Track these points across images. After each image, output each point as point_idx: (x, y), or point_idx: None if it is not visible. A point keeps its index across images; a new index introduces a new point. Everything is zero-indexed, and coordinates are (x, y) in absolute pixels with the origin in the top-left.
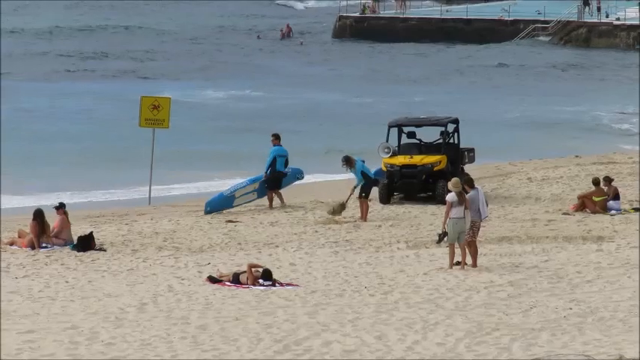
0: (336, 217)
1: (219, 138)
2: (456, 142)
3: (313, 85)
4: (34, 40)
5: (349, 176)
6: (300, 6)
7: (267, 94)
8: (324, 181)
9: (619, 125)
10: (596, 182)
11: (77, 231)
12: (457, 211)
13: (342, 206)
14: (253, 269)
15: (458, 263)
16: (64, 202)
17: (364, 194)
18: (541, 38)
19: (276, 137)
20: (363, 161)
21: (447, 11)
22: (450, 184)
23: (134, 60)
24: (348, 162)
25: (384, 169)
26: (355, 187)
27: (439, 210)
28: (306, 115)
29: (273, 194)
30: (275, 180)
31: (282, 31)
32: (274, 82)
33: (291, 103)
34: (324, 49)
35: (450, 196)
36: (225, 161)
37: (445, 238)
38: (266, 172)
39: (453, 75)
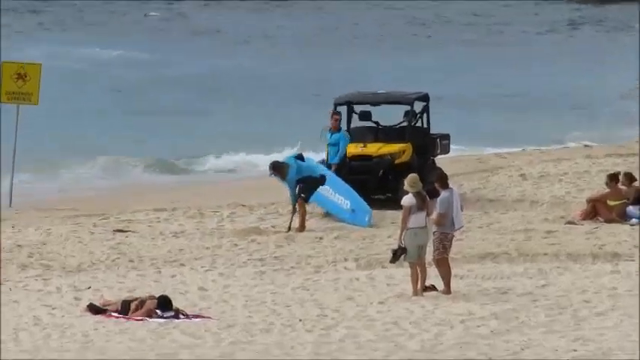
0: (263, 227)
1: (105, 117)
2: (426, 125)
3: (235, 47)
4: None
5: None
6: None
7: (166, 56)
8: (248, 177)
9: None
10: (612, 180)
11: None
12: (417, 219)
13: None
14: (147, 297)
15: (431, 288)
16: None
17: (304, 195)
18: None
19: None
20: (300, 156)
21: None
22: (406, 183)
23: None
24: (278, 170)
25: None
26: (294, 209)
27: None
28: (220, 88)
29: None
30: None
31: None
32: (184, 41)
33: (198, 72)
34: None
35: (408, 199)
36: (111, 148)
37: (403, 256)
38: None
39: (417, 37)
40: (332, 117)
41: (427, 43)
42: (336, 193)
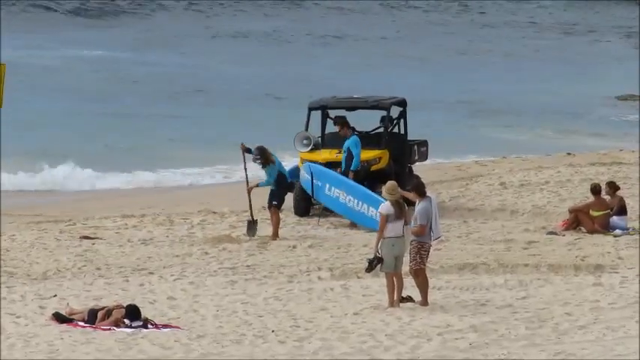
0: (235, 235)
1: (74, 118)
2: (403, 131)
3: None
4: None
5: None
6: None
7: (132, 54)
8: (218, 183)
9: (625, 114)
10: (595, 190)
11: None
12: (394, 228)
13: (252, 223)
14: (115, 306)
15: (407, 299)
16: None
17: (275, 202)
18: None
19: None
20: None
21: None
22: (384, 190)
23: None
24: (264, 156)
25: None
26: (256, 186)
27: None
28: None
29: None
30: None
31: None
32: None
33: (167, 72)
34: None
35: (385, 207)
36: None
37: (379, 266)
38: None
39: (396, 40)
40: (335, 125)
41: (408, 47)
42: (361, 203)
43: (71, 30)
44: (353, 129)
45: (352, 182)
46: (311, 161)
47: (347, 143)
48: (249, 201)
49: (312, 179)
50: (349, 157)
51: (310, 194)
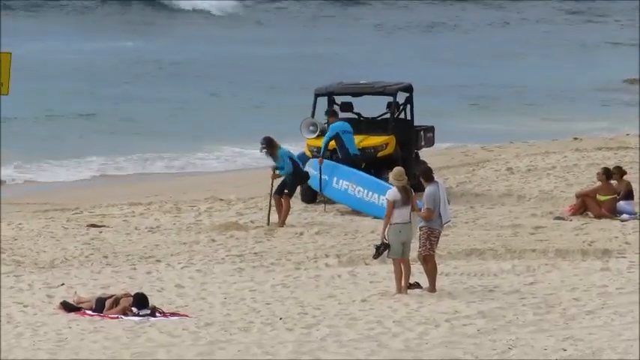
0: (239, 222)
1: (84, 107)
2: (409, 117)
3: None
4: None
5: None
6: None
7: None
8: (225, 170)
9: (632, 96)
10: (603, 175)
11: None
12: (401, 214)
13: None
14: (123, 294)
15: (415, 285)
16: None
17: (287, 191)
18: None
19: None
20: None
21: None
22: (390, 176)
23: None
24: (270, 145)
25: (309, 154)
26: (278, 175)
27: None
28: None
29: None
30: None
31: None
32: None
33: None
34: None
35: (392, 194)
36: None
37: (386, 252)
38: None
39: (401, 29)
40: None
41: (410, 35)
42: (371, 192)
43: None
44: (358, 115)
45: (360, 172)
46: (317, 148)
47: None
48: (271, 189)
49: (320, 174)
50: (340, 145)
51: (318, 190)
